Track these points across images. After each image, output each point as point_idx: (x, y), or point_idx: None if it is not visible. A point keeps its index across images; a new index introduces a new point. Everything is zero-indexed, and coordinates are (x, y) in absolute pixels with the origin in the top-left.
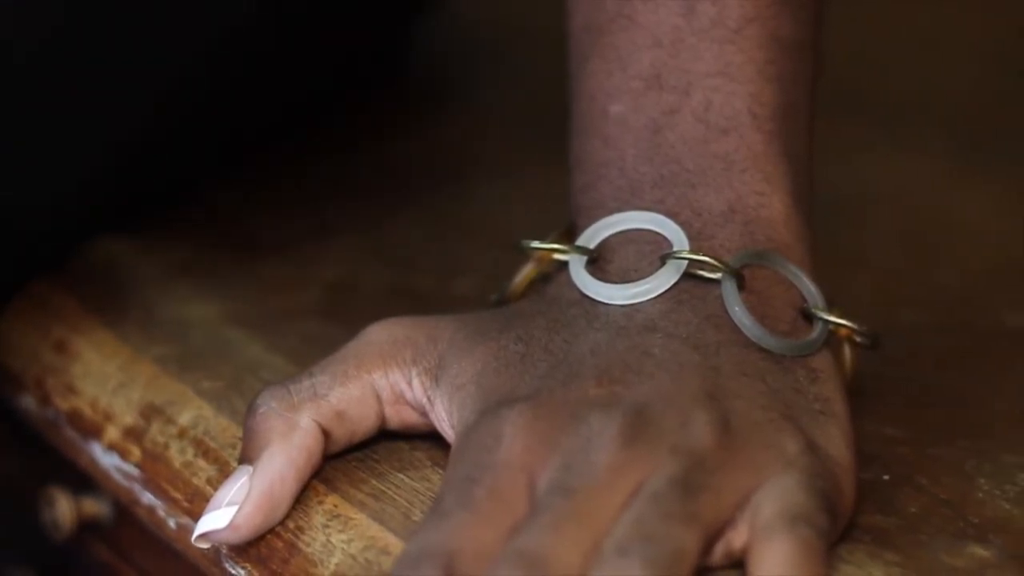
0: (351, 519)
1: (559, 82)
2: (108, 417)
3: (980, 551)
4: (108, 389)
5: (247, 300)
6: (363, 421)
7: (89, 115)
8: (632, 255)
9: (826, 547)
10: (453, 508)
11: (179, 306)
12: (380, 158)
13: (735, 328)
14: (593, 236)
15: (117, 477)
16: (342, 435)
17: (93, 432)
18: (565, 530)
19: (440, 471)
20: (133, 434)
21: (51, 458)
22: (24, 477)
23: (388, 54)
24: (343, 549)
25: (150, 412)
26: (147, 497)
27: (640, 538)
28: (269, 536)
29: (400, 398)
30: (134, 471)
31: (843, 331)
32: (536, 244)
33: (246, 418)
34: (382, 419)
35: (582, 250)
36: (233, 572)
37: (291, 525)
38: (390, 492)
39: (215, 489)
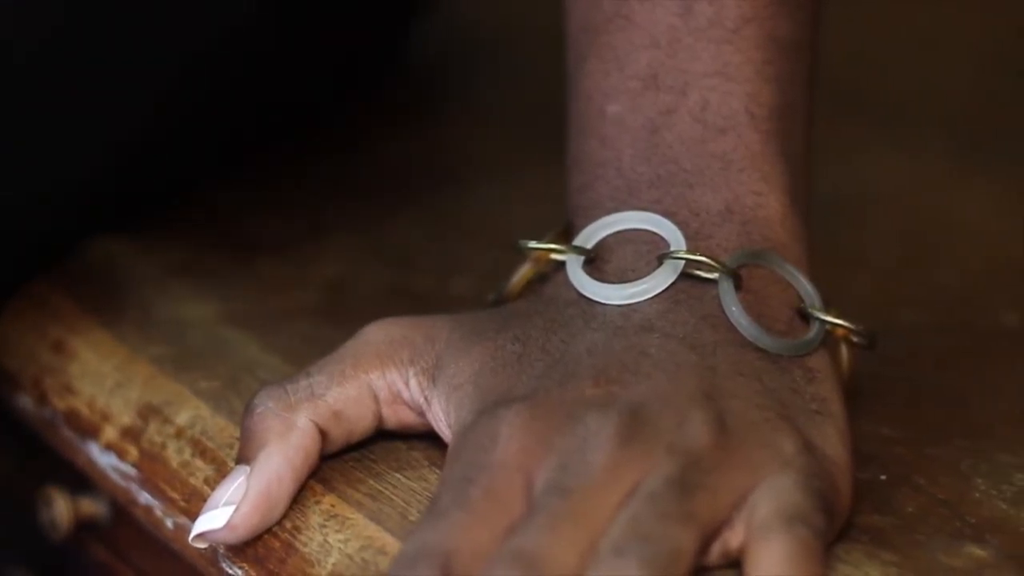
0: (348, 519)
1: (558, 82)
2: (105, 417)
3: (977, 551)
4: (105, 389)
5: (245, 300)
6: (360, 421)
7: (88, 115)
8: (629, 255)
9: (823, 547)
10: (450, 508)
11: (176, 306)
12: (379, 158)
13: (732, 328)
14: (590, 236)
15: (114, 477)
16: (339, 435)
17: (90, 432)
18: (561, 530)
19: (437, 471)
20: (130, 434)
21: (48, 458)
22: (21, 477)
23: (388, 54)
24: (340, 549)
25: (147, 412)
26: (144, 497)
27: (636, 538)
28: (266, 536)
29: (397, 398)
30: (131, 471)
31: (840, 331)
32: (533, 244)
33: (243, 418)
34: (379, 419)
35: (579, 250)
36: (230, 572)
37: (288, 525)
38: (387, 492)
39: (212, 489)
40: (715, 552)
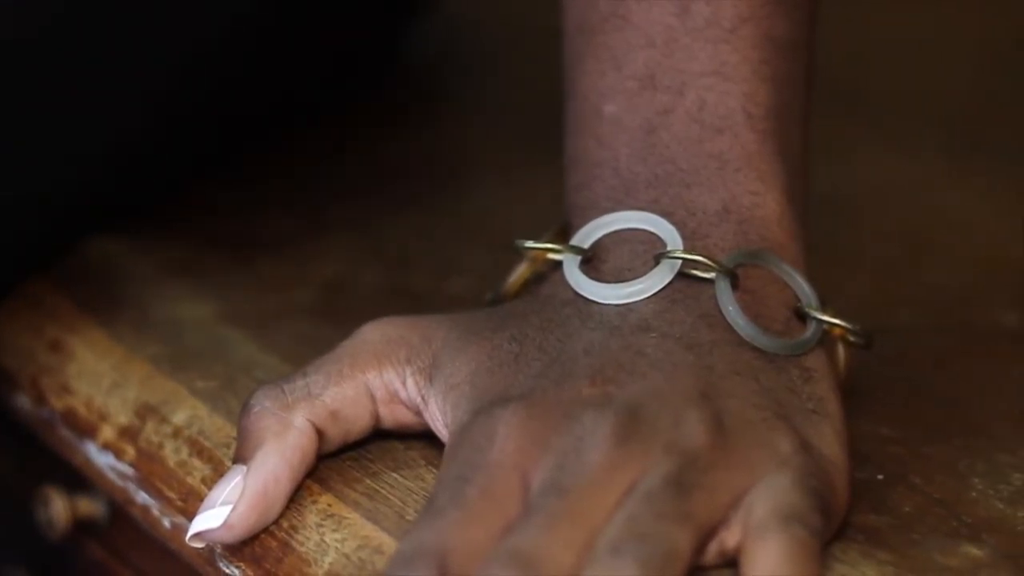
0: (345, 518)
1: (557, 82)
2: (103, 417)
3: (973, 550)
4: (103, 389)
5: (242, 299)
6: (357, 420)
7: (87, 114)
8: (626, 255)
9: (819, 546)
10: (446, 507)
11: (173, 305)
12: (378, 158)
13: (729, 327)
14: (587, 236)
15: (112, 476)
16: (336, 434)
17: (88, 432)
18: (558, 529)
19: (434, 470)
20: (128, 433)
21: (46, 458)
22: (19, 477)
23: (386, 54)
24: (337, 548)
25: (145, 411)
26: (142, 496)
27: (633, 537)
28: (263, 535)
29: (394, 397)
30: (129, 470)
31: (837, 330)
32: (530, 244)
33: (240, 417)
34: (376, 418)
35: (576, 250)
36: (227, 571)
37: (285, 524)
38: (384, 491)
39: (209, 488)
40: (712, 551)
